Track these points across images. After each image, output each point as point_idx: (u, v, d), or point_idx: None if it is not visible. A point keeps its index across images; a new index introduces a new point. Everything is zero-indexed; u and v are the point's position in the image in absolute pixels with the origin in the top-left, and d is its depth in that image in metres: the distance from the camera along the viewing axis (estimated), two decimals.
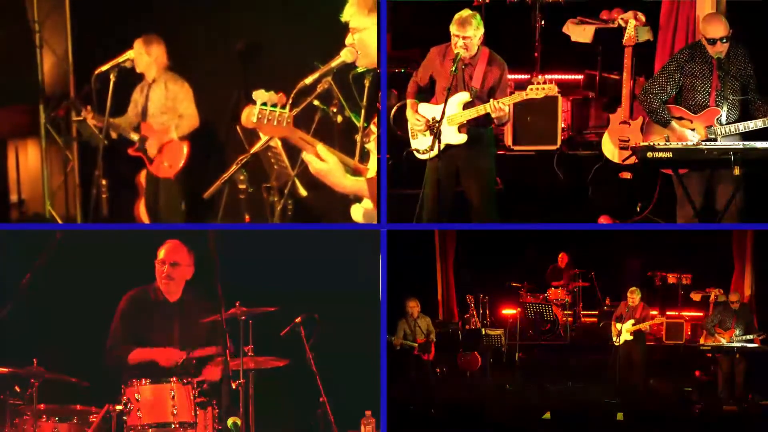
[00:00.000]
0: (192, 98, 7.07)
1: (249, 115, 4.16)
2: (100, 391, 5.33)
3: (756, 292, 8.28)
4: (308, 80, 4.65)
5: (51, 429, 5.03)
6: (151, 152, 7.05)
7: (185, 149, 7.00)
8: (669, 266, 9.33)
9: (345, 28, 4.57)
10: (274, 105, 4.15)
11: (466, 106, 5.83)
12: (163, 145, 7.02)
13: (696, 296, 9.10)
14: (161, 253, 5.61)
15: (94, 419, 5.06)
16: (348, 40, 4.57)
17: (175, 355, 5.38)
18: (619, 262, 9.59)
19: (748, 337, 7.10)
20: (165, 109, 7.02)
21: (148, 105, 7.08)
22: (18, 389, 5.09)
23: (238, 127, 6.01)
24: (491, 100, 5.77)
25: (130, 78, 6.96)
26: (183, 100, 7.04)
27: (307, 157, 4.27)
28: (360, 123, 4.74)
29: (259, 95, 4.15)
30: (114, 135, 7.03)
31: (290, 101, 4.57)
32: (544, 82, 5.79)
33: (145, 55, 6.92)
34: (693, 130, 5.81)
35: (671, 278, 9.27)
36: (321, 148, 4.26)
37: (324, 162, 4.24)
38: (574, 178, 7.09)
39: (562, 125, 7.32)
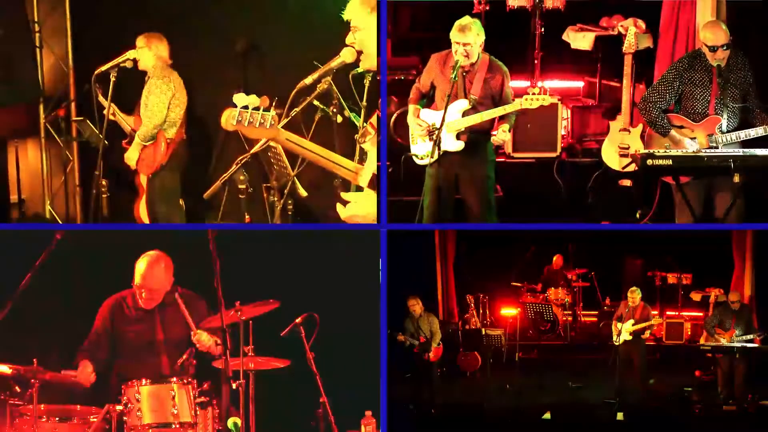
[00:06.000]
0: (162, 96, 6.87)
1: (228, 118, 4.16)
2: (100, 391, 5.34)
3: (756, 292, 8.28)
4: (308, 80, 4.66)
5: (51, 429, 5.03)
6: (131, 159, 7.03)
7: (163, 148, 6.94)
8: (669, 266, 9.33)
9: (345, 29, 4.57)
10: (257, 108, 4.15)
11: (466, 113, 5.82)
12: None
13: (696, 296, 9.11)
14: (137, 276, 5.45)
15: (95, 419, 5.06)
16: (348, 38, 4.57)
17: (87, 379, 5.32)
18: (619, 262, 9.59)
19: (748, 337, 7.10)
20: (144, 106, 6.99)
21: (140, 99, 7.06)
22: (18, 389, 5.09)
23: None
24: (492, 135, 5.85)
25: (130, 78, 6.94)
26: (153, 95, 6.88)
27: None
28: (360, 123, 4.75)
29: (240, 98, 4.14)
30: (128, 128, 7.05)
31: (288, 103, 4.58)
32: (540, 92, 5.78)
33: (145, 50, 6.90)
34: (694, 138, 5.79)
35: (671, 278, 9.27)
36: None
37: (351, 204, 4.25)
38: (574, 186, 7.09)
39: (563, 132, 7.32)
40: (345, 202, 4.30)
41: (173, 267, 5.54)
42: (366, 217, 4.27)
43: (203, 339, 5.31)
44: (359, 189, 4.43)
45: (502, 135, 5.91)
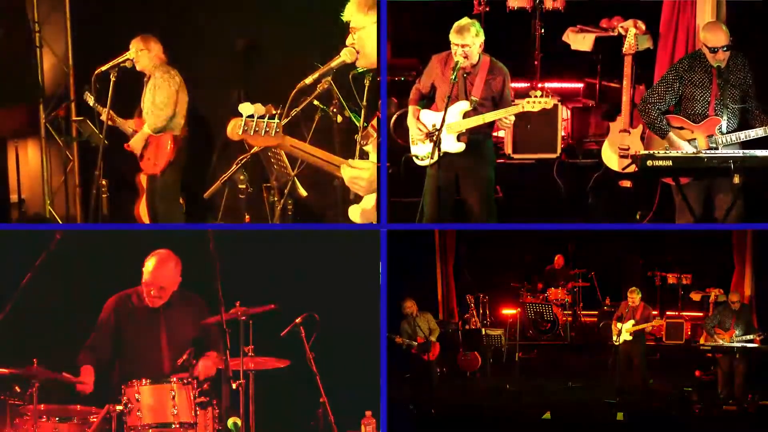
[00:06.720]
0: (170, 89, 6.86)
1: (234, 128, 4.16)
2: (100, 391, 5.34)
3: (756, 292, 8.29)
4: (308, 80, 4.65)
5: (51, 429, 5.02)
6: (137, 147, 7.02)
7: (169, 145, 6.94)
8: (669, 266, 9.34)
9: (344, 29, 4.57)
10: (262, 116, 4.15)
11: (466, 115, 5.81)
12: (149, 140, 7.00)
13: (696, 296, 9.12)
14: (146, 273, 5.45)
15: (95, 419, 5.06)
16: (348, 40, 4.57)
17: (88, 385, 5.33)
18: (619, 262, 9.60)
19: (748, 337, 7.10)
20: (151, 101, 6.98)
21: (143, 100, 7.06)
22: (18, 389, 5.08)
23: None
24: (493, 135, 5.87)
25: (130, 78, 6.95)
26: (160, 89, 6.87)
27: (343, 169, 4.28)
28: (360, 123, 4.74)
29: (245, 108, 4.14)
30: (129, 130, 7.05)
31: (288, 103, 4.58)
32: (542, 95, 5.77)
33: (145, 52, 6.89)
34: (694, 140, 5.78)
35: (671, 278, 9.29)
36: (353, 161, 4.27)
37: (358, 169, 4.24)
38: (574, 187, 7.08)
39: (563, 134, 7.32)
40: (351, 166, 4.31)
41: (181, 266, 5.53)
42: (368, 180, 4.27)
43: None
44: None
45: (506, 120, 5.87)
